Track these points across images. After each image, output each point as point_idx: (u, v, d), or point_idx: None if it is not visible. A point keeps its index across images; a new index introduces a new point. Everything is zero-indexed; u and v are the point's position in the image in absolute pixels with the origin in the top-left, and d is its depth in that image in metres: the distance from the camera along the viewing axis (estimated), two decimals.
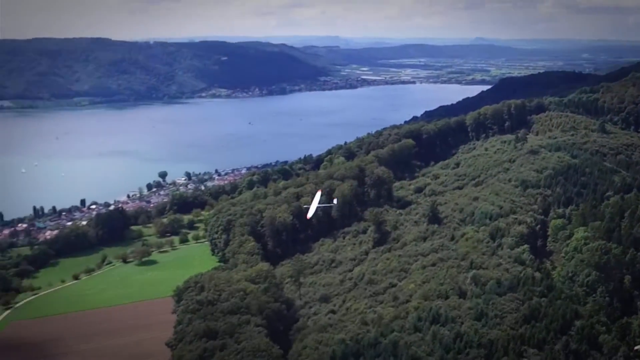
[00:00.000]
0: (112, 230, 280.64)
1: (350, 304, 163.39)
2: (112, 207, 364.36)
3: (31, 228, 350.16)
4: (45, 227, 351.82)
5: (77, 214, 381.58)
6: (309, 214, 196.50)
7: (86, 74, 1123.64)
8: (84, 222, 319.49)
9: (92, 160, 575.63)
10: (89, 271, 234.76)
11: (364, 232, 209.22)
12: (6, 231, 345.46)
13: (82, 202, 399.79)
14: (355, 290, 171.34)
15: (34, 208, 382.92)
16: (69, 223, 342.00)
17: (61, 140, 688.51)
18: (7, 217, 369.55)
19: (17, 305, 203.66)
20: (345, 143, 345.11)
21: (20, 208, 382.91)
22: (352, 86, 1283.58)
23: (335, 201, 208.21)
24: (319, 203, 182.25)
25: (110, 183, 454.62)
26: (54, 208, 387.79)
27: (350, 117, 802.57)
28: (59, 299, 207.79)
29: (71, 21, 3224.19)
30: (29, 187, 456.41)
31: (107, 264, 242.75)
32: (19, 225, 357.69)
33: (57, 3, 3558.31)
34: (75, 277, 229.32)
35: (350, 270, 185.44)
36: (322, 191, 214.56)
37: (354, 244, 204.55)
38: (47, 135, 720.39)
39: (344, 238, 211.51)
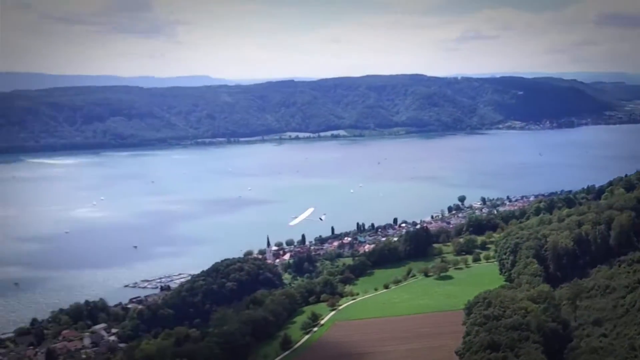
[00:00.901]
0: (418, 246, 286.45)
1: (621, 329, 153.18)
2: (418, 226, 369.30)
3: (354, 241, 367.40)
4: (364, 241, 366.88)
5: (390, 231, 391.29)
6: (292, 222, 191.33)
7: (404, 106, 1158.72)
8: (395, 238, 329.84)
9: (404, 183, 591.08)
10: (397, 282, 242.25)
11: (639, 261, 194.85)
12: (335, 243, 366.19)
13: (395, 220, 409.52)
14: (627, 316, 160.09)
15: (357, 224, 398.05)
16: (383, 239, 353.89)
17: (381, 165, 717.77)
18: (337, 231, 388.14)
19: (340, 307, 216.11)
20: (626, 175, 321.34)
21: (347, 223, 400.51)
22: (635, 121, 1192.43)
23: (323, 217, 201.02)
24: (308, 217, 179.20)
25: (417, 204, 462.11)
26: (372, 225, 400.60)
27: (631, 150, 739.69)
28: (372, 304, 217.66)
29: (395, 59, 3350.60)
30: (354, 206, 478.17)
31: (411, 276, 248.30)
32: (345, 238, 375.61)
33: (382, 44, 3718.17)
34: (386, 287, 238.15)
35: (623, 297, 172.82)
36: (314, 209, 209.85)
37: (629, 272, 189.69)
38: (370, 161, 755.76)
39: (619, 266, 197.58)
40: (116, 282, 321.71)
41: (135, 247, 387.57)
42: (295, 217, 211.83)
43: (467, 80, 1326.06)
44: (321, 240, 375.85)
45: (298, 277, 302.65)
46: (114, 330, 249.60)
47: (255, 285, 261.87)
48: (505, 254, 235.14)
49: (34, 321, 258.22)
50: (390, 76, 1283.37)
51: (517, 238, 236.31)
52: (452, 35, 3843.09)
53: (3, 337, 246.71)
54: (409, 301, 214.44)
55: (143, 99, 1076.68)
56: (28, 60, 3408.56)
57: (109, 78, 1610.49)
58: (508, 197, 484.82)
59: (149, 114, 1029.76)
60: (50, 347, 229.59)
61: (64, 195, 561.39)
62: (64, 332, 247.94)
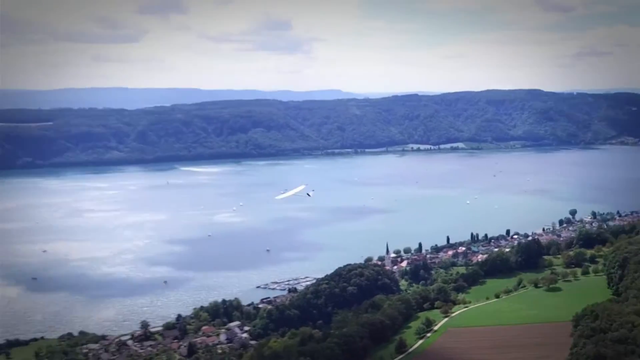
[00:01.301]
0: (528, 258, 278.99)
1: None
2: (529, 238, 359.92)
3: (468, 251, 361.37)
4: (478, 251, 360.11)
5: (503, 242, 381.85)
6: (279, 197, 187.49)
7: (521, 120, 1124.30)
8: (507, 249, 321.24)
9: (517, 195, 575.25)
10: (507, 292, 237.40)
11: None
12: (450, 252, 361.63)
13: (507, 231, 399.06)
14: None
15: (471, 234, 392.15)
16: (496, 249, 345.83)
17: (497, 177, 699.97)
18: (452, 240, 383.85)
19: (453, 314, 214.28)
20: None
21: (462, 233, 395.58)
22: None
23: (311, 193, 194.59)
24: (297, 193, 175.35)
25: (529, 216, 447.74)
26: (485, 235, 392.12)
27: None
28: (483, 313, 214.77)
29: (514, 74, 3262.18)
30: (469, 216, 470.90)
31: (521, 287, 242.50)
32: (460, 247, 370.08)
33: (503, 59, 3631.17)
34: (497, 296, 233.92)
35: None
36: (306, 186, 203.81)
37: None
38: (486, 173, 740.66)
39: None
40: (249, 283, 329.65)
41: (268, 250, 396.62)
42: (283, 192, 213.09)
43: (582, 95, 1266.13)
44: (437, 249, 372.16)
45: (414, 284, 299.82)
46: (246, 328, 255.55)
47: (374, 290, 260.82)
48: (613, 267, 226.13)
49: (178, 317, 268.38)
50: (509, 91, 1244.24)
51: (626, 252, 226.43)
52: (569, 52, 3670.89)
53: (153, 330, 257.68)
54: (518, 311, 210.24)
55: (281, 112, 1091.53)
56: (187, 76, 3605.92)
57: (252, 92, 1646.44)
58: (618, 212, 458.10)
59: (285, 126, 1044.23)
60: (192, 341, 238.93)
61: (208, 201, 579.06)
62: (204, 327, 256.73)
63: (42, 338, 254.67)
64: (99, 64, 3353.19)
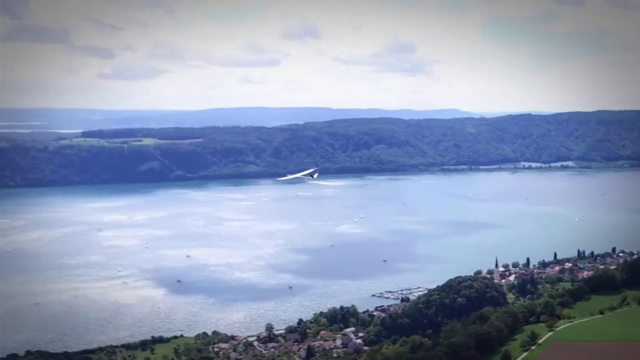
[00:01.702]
0: (635, 275, 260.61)
1: None
2: (635, 256, 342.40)
3: (574, 267, 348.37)
4: (584, 268, 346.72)
5: (608, 259, 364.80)
6: (282, 178, 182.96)
7: (630, 141, 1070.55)
8: (613, 267, 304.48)
9: (624, 214, 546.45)
10: (612, 309, 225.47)
11: None
12: (557, 268, 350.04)
13: (613, 249, 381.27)
14: None
15: (578, 251, 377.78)
16: (602, 266, 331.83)
17: (605, 196, 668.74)
18: (559, 256, 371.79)
19: (558, 329, 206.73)
20: None
21: (569, 249, 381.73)
22: None
23: (315, 176, 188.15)
24: (303, 175, 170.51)
25: (635, 235, 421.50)
26: (592, 252, 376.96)
27: None
28: (587, 328, 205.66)
29: (624, 95, 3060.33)
30: (577, 233, 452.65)
31: (626, 304, 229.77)
32: (566, 264, 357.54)
33: (614, 81, 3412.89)
34: (601, 312, 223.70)
35: None
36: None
37: None
38: (595, 191, 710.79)
39: None
40: (366, 292, 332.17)
41: (385, 261, 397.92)
42: (287, 175, 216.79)
43: None
44: (544, 265, 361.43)
45: (521, 297, 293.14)
46: (360, 334, 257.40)
47: (482, 302, 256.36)
48: None
49: (300, 321, 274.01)
50: (619, 111, 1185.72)
51: None
52: None
53: (276, 332, 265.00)
54: (621, 328, 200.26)
55: (402, 129, 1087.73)
56: (319, 96, 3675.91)
57: (377, 111, 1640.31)
58: None
59: (405, 143, 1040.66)
60: (310, 344, 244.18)
61: (332, 212, 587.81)
62: (322, 332, 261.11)
63: (181, 336, 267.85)
64: (244, 85, 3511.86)
